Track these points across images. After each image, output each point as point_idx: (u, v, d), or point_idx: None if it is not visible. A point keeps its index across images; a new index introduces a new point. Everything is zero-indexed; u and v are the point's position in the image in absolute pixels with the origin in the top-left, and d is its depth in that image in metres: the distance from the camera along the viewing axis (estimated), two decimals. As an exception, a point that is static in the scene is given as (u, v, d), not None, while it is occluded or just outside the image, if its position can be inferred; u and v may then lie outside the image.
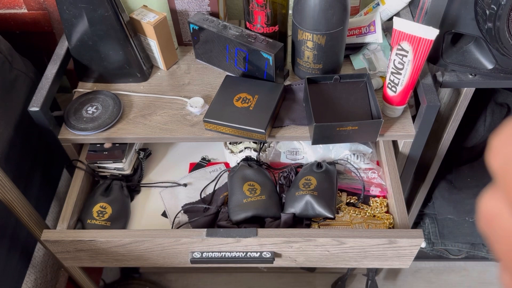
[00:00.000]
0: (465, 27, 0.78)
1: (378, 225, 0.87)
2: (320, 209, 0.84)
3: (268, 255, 0.82)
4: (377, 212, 0.89)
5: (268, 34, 0.88)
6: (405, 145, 0.91)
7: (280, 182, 0.93)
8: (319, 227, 0.87)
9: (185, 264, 0.86)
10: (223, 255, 0.83)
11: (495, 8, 0.68)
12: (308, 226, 0.87)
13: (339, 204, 0.91)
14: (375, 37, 0.94)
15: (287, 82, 0.93)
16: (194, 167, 1.01)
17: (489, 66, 0.81)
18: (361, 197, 0.91)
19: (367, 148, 0.97)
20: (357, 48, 0.97)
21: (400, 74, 0.79)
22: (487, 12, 0.70)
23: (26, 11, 1.03)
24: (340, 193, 0.93)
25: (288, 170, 0.94)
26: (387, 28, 0.99)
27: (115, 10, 0.85)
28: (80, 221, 0.88)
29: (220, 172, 0.97)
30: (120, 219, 0.89)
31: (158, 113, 0.90)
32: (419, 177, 1.18)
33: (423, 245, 1.35)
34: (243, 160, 0.94)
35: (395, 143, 0.95)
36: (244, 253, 0.82)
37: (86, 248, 0.83)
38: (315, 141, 0.82)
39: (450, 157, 1.09)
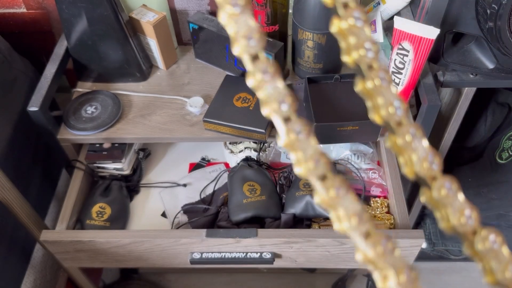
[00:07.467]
0: (466, 27, 0.78)
1: (378, 225, 0.87)
2: (320, 209, 0.84)
3: (268, 256, 0.82)
4: (378, 212, 0.89)
5: (268, 34, 0.88)
6: (406, 145, 0.90)
7: (280, 182, 0.92)
8: (320, 228, 0.87)
9: (185, 264, 0.86)
10: (223, 256, 0.82)
11: (496, 8, 0.68)
12: (309, 226, 0.87)
13: (340, 204, 0.90)
14: (376, 37, 0.94)
15: (287, 82, 0.93)
16: (194, 167, 1.01)
17: (490, 65, 0.81)
18: (362, 198, 0.91)
19: (367, 148, 0.96)
20: (358, 47, 0.96)
21: (401, 73, 0.79)
22: (488, 11, 0.69)
23: (25, 10, 1.03)
24: (340, 193, 0.92)
25: (288, 170, 0.93)
26: (388, 27, 0.98)
27: (115, 10, 0.85)
28: (80, 221, 0.87)
29: (220, 172, 0.97)
30: (120, 219, 0.89)
31: (158, 113, 0.90)
32: (420, 177, 1.17)
33: (424, 245, 1.34)
34: (243, 160, 0.94)
35: (395, 143, 0.94)
36: (244, 253, 0.82)
37: (85, 249, 0.83)
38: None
39: (451, 157, 1.08)
